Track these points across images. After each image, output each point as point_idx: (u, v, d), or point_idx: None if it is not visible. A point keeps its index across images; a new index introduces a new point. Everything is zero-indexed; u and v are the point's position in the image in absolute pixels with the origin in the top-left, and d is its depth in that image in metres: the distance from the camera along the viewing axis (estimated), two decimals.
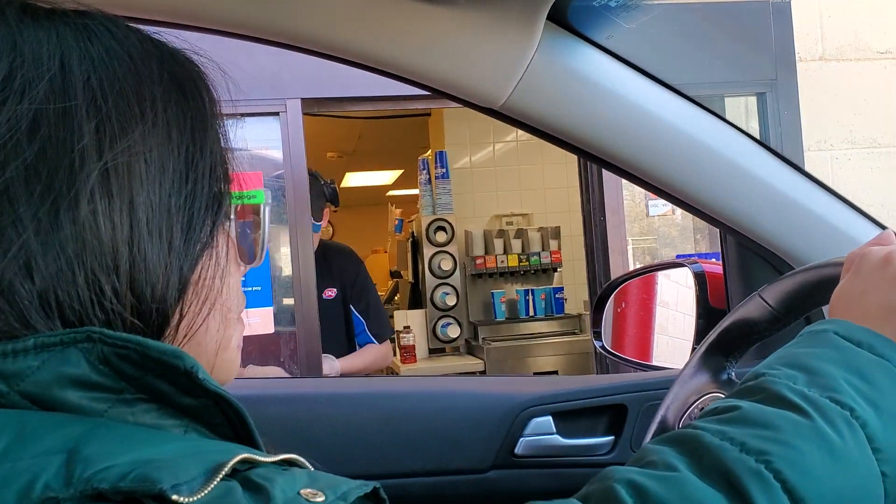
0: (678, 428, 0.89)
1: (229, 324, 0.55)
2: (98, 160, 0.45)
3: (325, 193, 2.62)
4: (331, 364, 2.53)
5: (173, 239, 0.48)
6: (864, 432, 0.49)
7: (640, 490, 0.46)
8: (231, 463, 0.39)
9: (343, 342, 2.67)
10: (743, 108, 3.08)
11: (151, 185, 0.47)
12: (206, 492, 0.37)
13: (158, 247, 0.47)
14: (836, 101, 3.22)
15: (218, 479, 0.37)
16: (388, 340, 2.78)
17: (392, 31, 0.89)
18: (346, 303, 2.71)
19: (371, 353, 2.68)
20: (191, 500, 0.36)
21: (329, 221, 2.79)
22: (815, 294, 0.77)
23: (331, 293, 2.70)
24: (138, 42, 0.51)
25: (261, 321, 2.17)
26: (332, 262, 2.73)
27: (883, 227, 1.06)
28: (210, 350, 0.53)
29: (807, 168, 1.06)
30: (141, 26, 0.54)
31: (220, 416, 0.45)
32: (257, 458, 0.41)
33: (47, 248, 0.43)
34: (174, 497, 0.35)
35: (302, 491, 0.40)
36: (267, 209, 0.62)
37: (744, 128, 1.07)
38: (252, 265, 0.61)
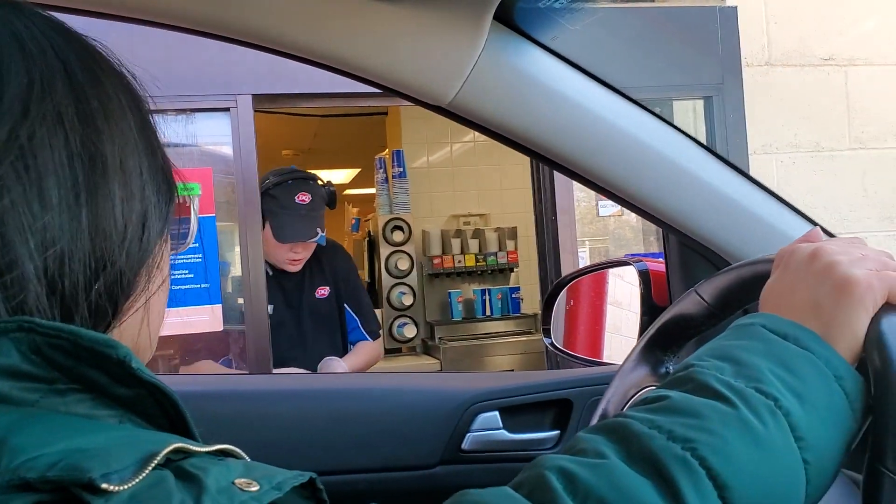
0: None
1: (160, 315, 0.56)
2: (108, 148, 0.48)
3: (324, 197, 2.56)
4: (341, 366, 2.48)
5: (150, 226, 0.50)
6: (788, 421, 0.51)
7: (570, 476, 0.47)
8: (164, 452, 0.39)
9: (338, 341, 2.64)
10: (691, 112, 3.14)
11: (136, 173, 0.50)
12: (136, 480, 0.36)
13: (131, 232, 0.49)
14: (781, 105, 3.30)
15: (150, 469, 0.37)
16: (381, 337, 2.76)
17: (340, 28, 0.90)
18: (339, 301, 2.67)
19: (369, 351, 2.66)
20: (121, 488, 0.36)
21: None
22: (749, 289, 0.79)
23: (323, 292, 2.64)
24: (75, 35, 0.52)
25: (209, 319, 2.14)
26: (324, 259, 2.66)
27: (814, 224, 1.10)
28: (148, 341, 0.54)
29: (752, 171, 1.09)
30: (69, 15, 0.54)
31: (154, 406, 0.44)
32: (191, 447, 0.41)
33: None
34: (104, 486, 0.35)
35: (236, 480, 0.40)
36: (197, 200, 0.66)
37: (691, 131, 1.09)
38: (181, 249, 0.63)
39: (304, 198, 2.45)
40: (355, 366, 2.53)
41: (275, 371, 2.41)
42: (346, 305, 2.65)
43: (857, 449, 0.75)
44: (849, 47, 3.39)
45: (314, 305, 2.61)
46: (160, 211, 0.52)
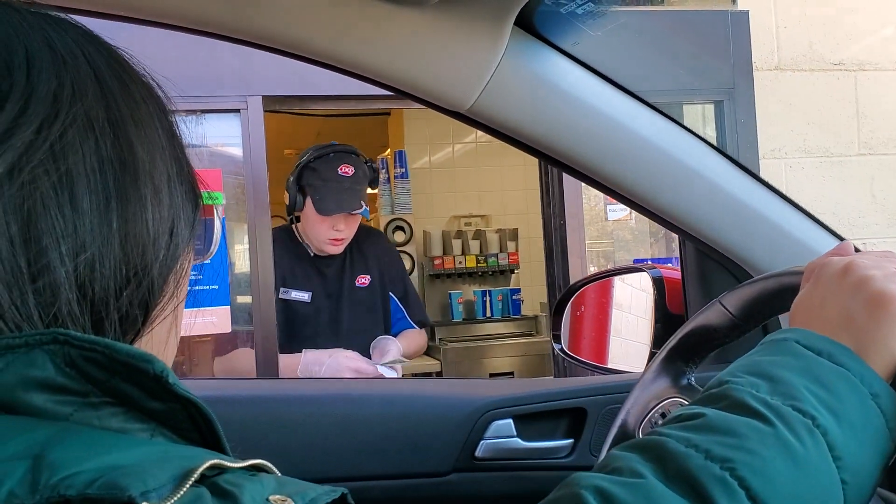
0: (638, 431, 0.90)
1: (180, 322, 0.56)
2: (139, 154, 0.47)
3: (366, 173, 2.37)
4: (395, 346, 2.29)
5: (160, 237, 0.49)
6: (825, 440, 0.50)
7: (607, 496, 0.47)
8: (200, 469, 0.38)
9: (379, 334, 2.43)
10: (700, 116, 3.14)
11: (165, 180, 0.49)
12: (175, 498, 0.36)
13: (161, 238, 0.49)
14: (791, 110, 3.30)
15: (188, 486, 0.37)
16: (427, 328, 2.60)
17: (360, 33, 0.89)
18: (382, 290, 2.48)
19: (416, 338, 2.49)
20: None
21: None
22: (774, 302, 0.78)
23: (364, 280, 2.45)
24: (104, 43, 0.52)
25: (217, 320, 2.13)
26: (366, 246, 2.47)
27: (840, 238, 1.09)
28: (171, 350, 0.54)
29: (761, 175, 1.08)
30: (91, 19, 0.54)
31: (187, 420, 0.44)
32: (225, 463, 0.40)
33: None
34: None
35: (270, 497, 0.39)
36: (221, 210, 0.66)
37: (702, 134, 1.08)
38: (201, 260, 0.62)
39: (347, 170, 2.29)
40: (407, 350, 2.35)
41: (306, 352, 2.25)
42: (391, 294, 2.49)
43: (891, 468, 0.74)
44: (858, 53, 3.39)
45: (354, 295, 2.43)
46: (188, 218, 0.52)
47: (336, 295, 2.41)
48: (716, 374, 1.18)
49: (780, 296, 0.77)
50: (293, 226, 2.41)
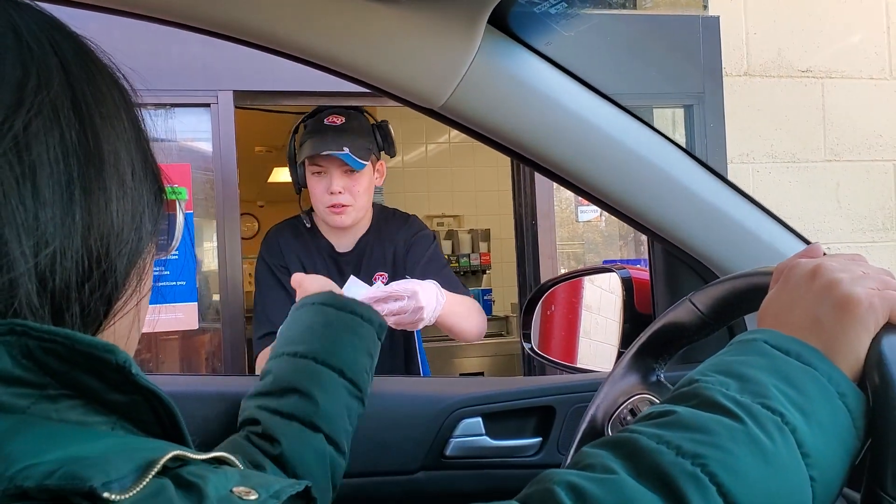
0: (607, 427, 0.91)
1: (144, 317, 0.55)
2: (104, 145, 0.47)
3: (374, 135, 2.04)
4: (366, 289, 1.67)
5: (124, 230, 0.48)
6: (794, 437, 0.51)
7: (579, 492, 0.47)
8: (163, 460, 0.38)
9: (398, 344, 2.04)
10: (671, 120, 3.17)
11: (130, 172, 0.49)
12: (137, 489, 0.36)
13: (125, 232, 0.48)
14: (759, 115, 3.35)
15: (150, 477, 0.37)
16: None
17: (333, 27, 0.88)
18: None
19: (467, 301, 1.96)
20: (122, 497, 0.35)
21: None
22: (743, 301, 0.79)
23: (382, 279, 2.06)
24: (70, 32, 0.51)
25: (185, 316, 2.10)
26: (386, 234, 2.09)
27: (805, 241, 1.11)
28: (132, 345, 0.53)
29: (730, 179, 1.09)
30: (58, 7, 0.54)
31: (149, 413, 0.44)
32: (189, 455, 0.40)
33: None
34: (105, 494, 0.34)
35: (234, 489, 0.39)
36: (183, 205, 0.67)
37: (671, 138, 1.10)
38: (163, 256, 0.62)
39: (334, 119, 2.00)
40: (451, 305, 1.76)
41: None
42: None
43: (856, 468, 0.75)
44: (826, 60, 3.45)
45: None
46: (152, 211, 0.52)
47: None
48: (684, 373, 1.19)
49: (750, 295, 0.78)
50: (304, 215, 2.10)
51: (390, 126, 2.12)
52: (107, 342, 0.41)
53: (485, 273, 5.28)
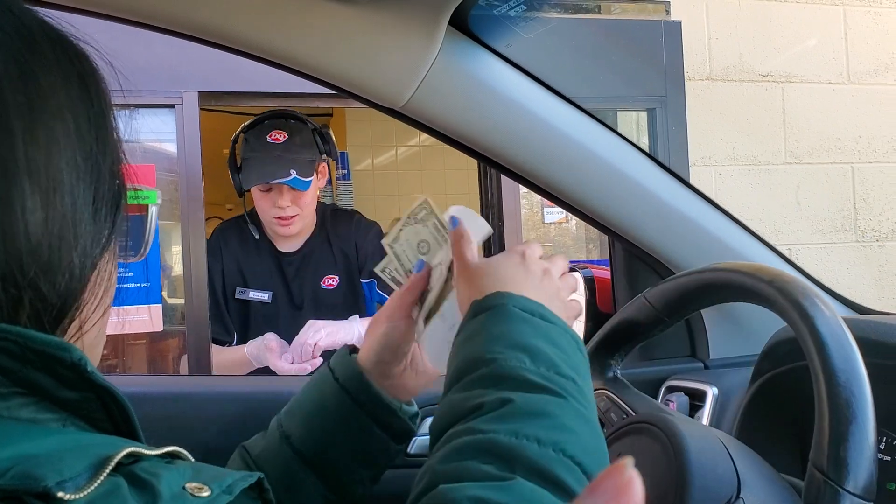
0: None
1: (108, 320, 0.53)
2: (20, 151, 0.43)
3: (315, 142, 2.01)
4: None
5: (80, 235, 0.45)
6: (585, 396, 0.56)
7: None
8: (117, 458, 0.38)
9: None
10: (634, 123, 3.20)
11: (62, 179, 0.45)
12: (92, 488, 0.36)
13: (67, 242, 0.45)
14: (721, 119, 3.40)
15: (104, 475, 0.36)
16: None
17: (295, 27, 0.89)
18: (353, 286, 2.08)
19: None
20: (76, 496, 0.35)
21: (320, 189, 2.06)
22: (694, 297, 0.81)
23: (331, 281, 2.07)
24: (36, 22, 0.48)
25: (149, 319, 2.06)
26: (334, 235, 2.09)
27: (762, 240, 1.13)
28: (96, 345, 0.52)
29: (692, 182, 1.12)
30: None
31: (100, 410, 0.43)
32: (142, 451, 0.40)
33: None
34: (59, 494, 0.34)
35: (187, 485, 0.39)
36: (155, 209, 0.63)
37: (635, 142, 1.11)
38: (134, 260, 0.60)
39: (278, 136, 1.96)
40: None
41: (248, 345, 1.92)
42: (362, 282, 2.08)
43: (796, 453, 0.78)
44: (786, 65, 3.52)
45: (320, 299, 2.06)
46: (102, 221, 0.47)
47: (298, 299, 2.07)
48: (643, 369, 1.21)
49: (701, 292, 0.79)
50: (248, 216, 2.08)
51: (330, 130, 2.11)
52: (61, 340, 0.41)
53: None
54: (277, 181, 1.90)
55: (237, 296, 2.07)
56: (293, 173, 1.91)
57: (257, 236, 2.08)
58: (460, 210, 0.74)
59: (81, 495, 0.35)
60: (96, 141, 0.48)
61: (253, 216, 2.08)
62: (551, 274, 0.69)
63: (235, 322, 2.08)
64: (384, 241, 0.80)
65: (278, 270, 2.07)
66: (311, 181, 1.97)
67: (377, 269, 0.82)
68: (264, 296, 2.05)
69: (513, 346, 0.57)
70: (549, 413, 0.52)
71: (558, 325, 0.61)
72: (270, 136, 1.95)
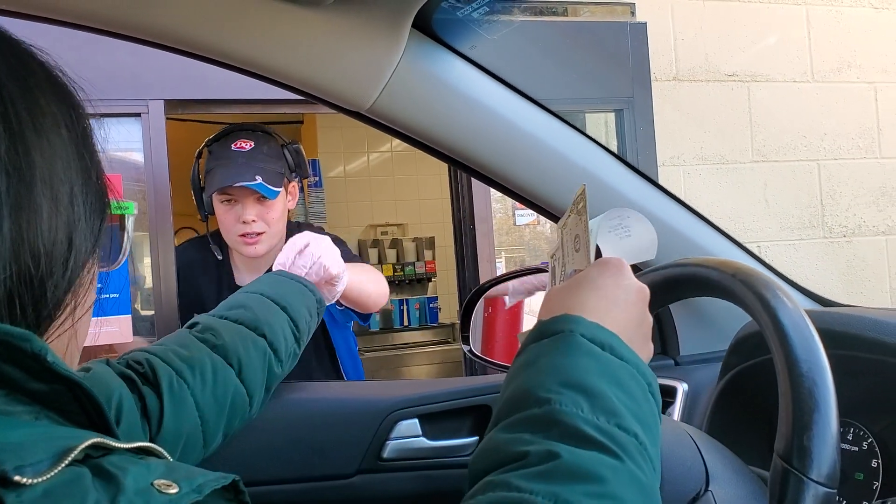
0: None
1: (90, 318, 0.56)
2: (36, 161, 0.46)
3: (284, 158, 1.90)
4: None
5: (77, 238, 0.49)
6: (648, 455, 0.52)
7: None
8: (80, 447, 0.38)
9: (323, 356, 1.94)
10: (603, 124, 3.23)
11: (65, 187, 0.48)
12: (51, 474, 0.36)
13: (68, 244, 0.48)
14: (688, 119, 3.44)
15: (66, 463, 0.36)
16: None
17: (257, 31, 0.88)
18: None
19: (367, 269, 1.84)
20: (34, 481, 0.35)
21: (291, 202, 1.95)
22: (660, 294, 0.81)
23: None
24: (16, 39, 0.51)
25: (119, 330, 2.04)
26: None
27: (730, 238, 1.14)
28: (76, 359, 0.54)
29: (661, 182, 1.13)
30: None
31: (72, 402, 0.43)
32: (110, 443, 0.40)
33: None
34: (16, 478, 0.34)
35: (155, 482, 0.39)
36: (132, 219, 0.69)
37: (603, 142, 1.12)
38: (109, 268, 0.62)
39: (242, 145, 1.84)
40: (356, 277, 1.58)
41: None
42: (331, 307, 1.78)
43: (765, 446, 0.78)
44: (751, 64, 3.57)
45: None
46: (91, 229, 0.51)
47: None
48: None
49: (666, 287, 0.80)
50: (210, 237, 1.98)
51: (301, 147, 1.99)
52: (23, 330, 0.41)
53: (430, 281, 5.29)
54: (241, 184, 1.78)
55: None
56: (259, 178, 1.80)
57: (220, 257, 1.96)
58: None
59: (39, 480, 0.35)
60: (86, 150, 0.52)
61: (216, 237, 1.97)
62: (642, 299, 0.62)
63: None
64: (558, 224, 0.75)
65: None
66: (279, 192, 1.85)
67: (549, 256, 0.76)
68: None
69: (571, 385, 0.52)
70: (598, 477, 0.48)
71: (630, 364, 0.55)
72: (235, 145, 1.85)
